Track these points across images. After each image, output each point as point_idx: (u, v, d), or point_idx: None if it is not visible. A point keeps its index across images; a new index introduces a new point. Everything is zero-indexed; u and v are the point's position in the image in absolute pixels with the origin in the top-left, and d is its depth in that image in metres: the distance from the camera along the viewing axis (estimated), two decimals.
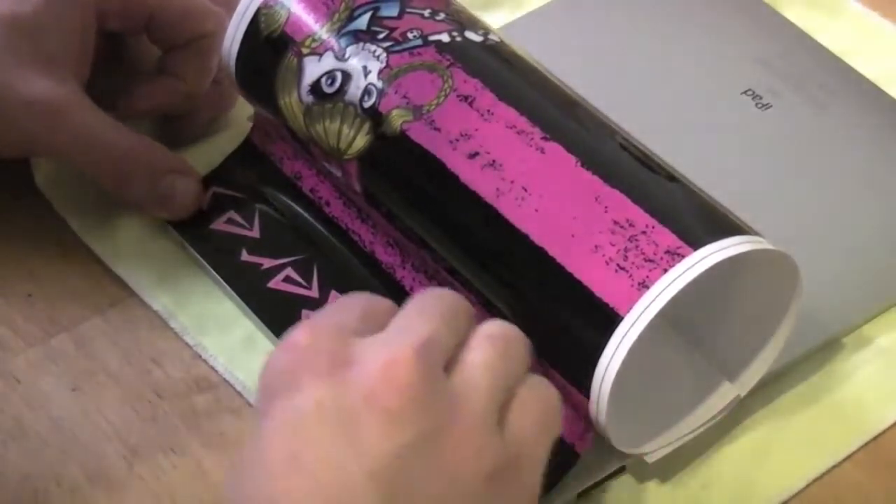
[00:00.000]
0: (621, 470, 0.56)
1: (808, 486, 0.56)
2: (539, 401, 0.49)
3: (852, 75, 0.68)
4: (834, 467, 0.57)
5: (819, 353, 0.59)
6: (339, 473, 0.45)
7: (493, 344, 0.49)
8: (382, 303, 0.51)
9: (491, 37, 0.58)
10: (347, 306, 0.50)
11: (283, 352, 0.48)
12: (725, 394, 0.55)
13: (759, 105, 0.66)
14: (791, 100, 0.66)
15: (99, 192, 0.62)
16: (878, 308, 0.61)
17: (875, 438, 0.57)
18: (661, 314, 0.50)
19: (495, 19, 0.70)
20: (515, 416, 0.48)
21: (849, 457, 0.57)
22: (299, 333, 0.48)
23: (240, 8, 0.60)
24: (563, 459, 0.54)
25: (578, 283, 0.51)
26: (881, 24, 0.72)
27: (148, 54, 0.65)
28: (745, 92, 0.66)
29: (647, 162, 0.55)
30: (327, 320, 0.50)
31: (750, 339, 0.55)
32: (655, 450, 0.54)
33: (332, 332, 0.49)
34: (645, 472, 0.56)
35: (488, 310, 0.55)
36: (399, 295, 0.58)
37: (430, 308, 0.50)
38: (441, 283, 0.57)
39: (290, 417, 0.47)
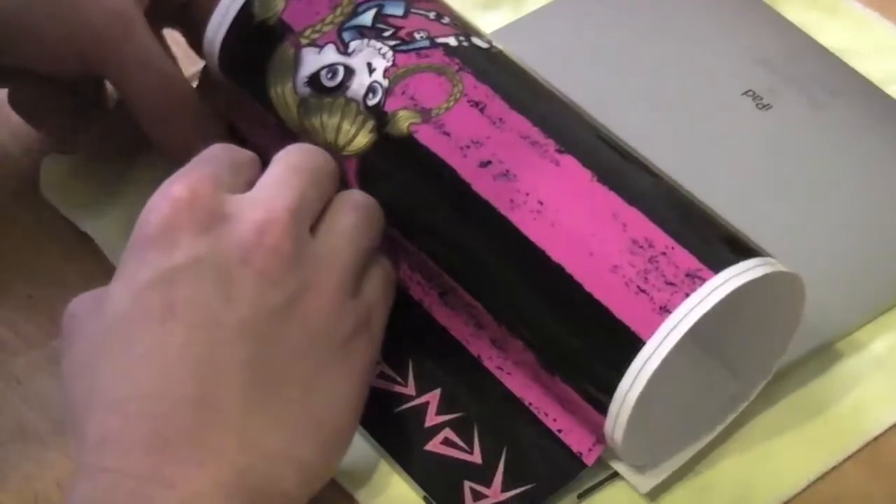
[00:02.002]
0: None
1: (808, 486, 0.56)
2: (385, 272, 0.55)
3: (852, 75, 0.68)
4: (834, 467, 0.57)
5: (820, 353, 0.59)
6: (213, 325, 0.49)
7: (357, 212, 0.54)
8: (244, 153, 0.54)
9: (496, 45, 0.58)
10: (217, 157, 0.53)
11: (162, 204, 0.51)
12: (734, 405, 0.55)
13: (760, 105, 0.66)
14: (791, 100, 0.66)
15: (105, 194, 0.62)
16: (879, 308, 0.61)
17: (876, 439, 0.57)
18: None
19: (495, 19, 0.70)
20: (371, 283, 0.54)
21: (849, 457, 0.57)
22: (177, 186, 0.51)
23: None
24: (571, 467, 0.54)
25: (598, 303, 0.51)
26: (881, 24, 0.72)
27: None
28: (745, 92, 0.66)
29: (661, 180, 0.54)
30: (202, 172, 0.52)
31: (753, 351, 0.55)
32: (665, 462, 0.54)
33: (209, 186, 0.51)
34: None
35: (498, 320, 0.54)
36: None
37: (300, 165, 0.53)
38: (441, 286, 0.57)
39: (166, 271, 0.50)
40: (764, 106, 0.66)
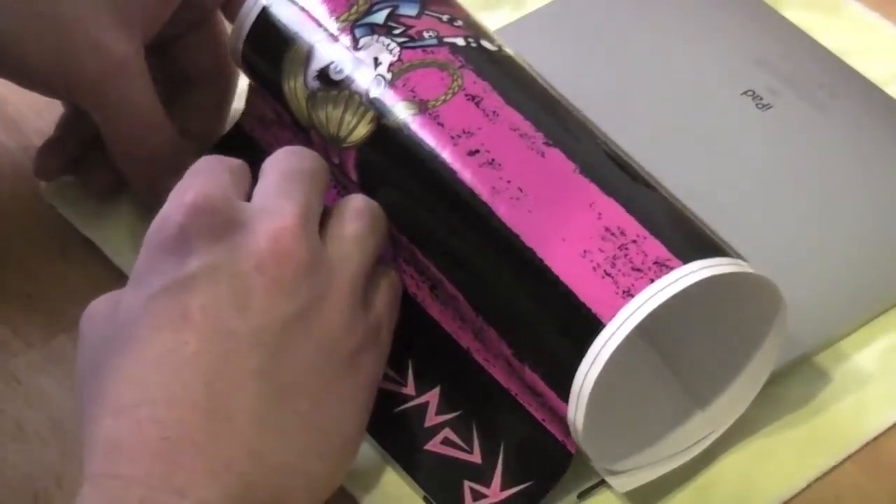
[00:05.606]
0: None
1: (808, 486, 0.56)
2: (393, 285, 0.56)
3: (852, 75, 0.68)
4: (834, 467, 0.57)
5: (820, 353, 0.59)
6: (227, 334, 0.49)
7: (362, 218, 0.54)
8: (235, 161, 0.54)
9: (505, 49, 0.58)
10: (219, 165, 0.53)
11: (176, 211, 0.51)
12: (701, 425, 0.55)
13: (759, 105, 0.66)
14: (791, 100, 0.66)
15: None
16: (879, 308, 0.61)
17: (875, 439, 0.57)
18: (643, 326, 0.50)
19: (496, 19, 0.70)
20: (379, 295, 0.54)
21: (849, 457, 0.57)
22: (190, 193, 0.51)
23: None
24: (560, 458, 0.54)
25: (564, 286, 0.51)
26: (881, 24, 0.72)
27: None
28: (745, 92, 0.66)
29: (645, 180, 0.55)
30: (212, 180, 0.52)
31: (728, 370, 0.55)
32: (628, 470, 0.54)
33: (221, 193, 0.51)
34: None
35: (475, 308, 0.55)
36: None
37: (295, 170, 0.53)
38: (431, 279, 0.57)
39: (181, 278, 0.50)
40: (764, 106, 0.66)
